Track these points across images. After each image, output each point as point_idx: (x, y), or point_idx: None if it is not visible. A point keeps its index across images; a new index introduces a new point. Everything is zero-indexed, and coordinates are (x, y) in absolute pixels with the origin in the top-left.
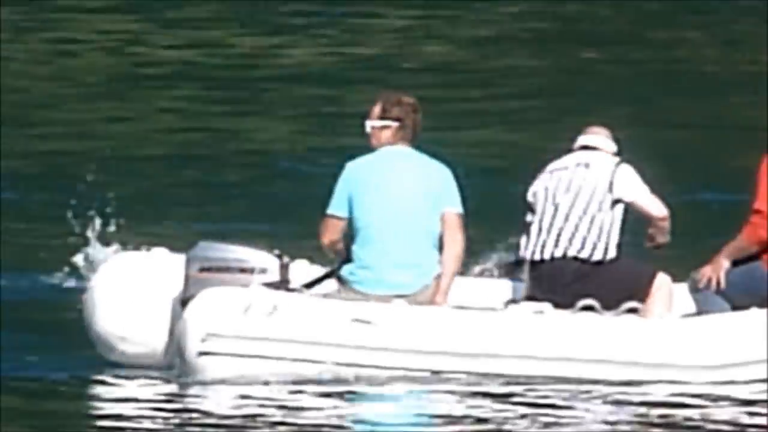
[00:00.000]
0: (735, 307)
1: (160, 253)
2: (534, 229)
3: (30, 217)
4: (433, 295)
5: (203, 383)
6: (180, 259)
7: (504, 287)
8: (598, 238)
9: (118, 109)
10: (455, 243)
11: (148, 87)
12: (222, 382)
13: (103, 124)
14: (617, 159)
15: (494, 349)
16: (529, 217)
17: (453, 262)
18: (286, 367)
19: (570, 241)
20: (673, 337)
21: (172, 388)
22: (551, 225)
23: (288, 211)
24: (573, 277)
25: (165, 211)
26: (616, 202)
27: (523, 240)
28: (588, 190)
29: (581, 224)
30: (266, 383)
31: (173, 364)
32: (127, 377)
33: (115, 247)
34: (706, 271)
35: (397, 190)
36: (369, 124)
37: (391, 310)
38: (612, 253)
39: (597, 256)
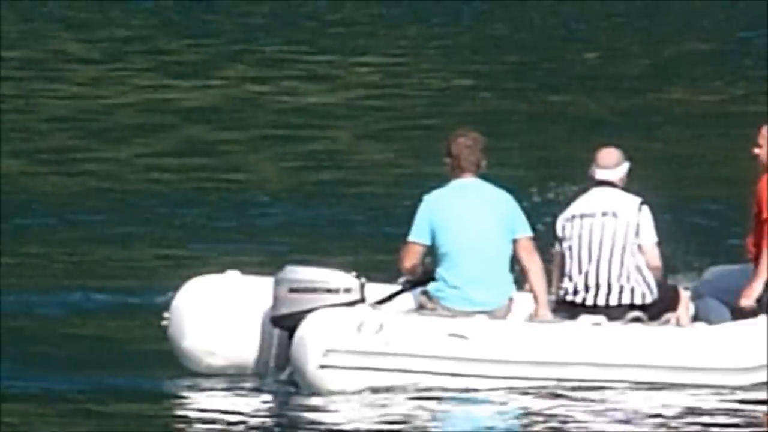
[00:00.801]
0: (733, 312)
1: (234, 275)
2: (577, 275)
3: (108, 242)
4: (508, 311)
5: (323, 394)
6: (251, 280)
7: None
8: (643, 282)
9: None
10: (535, 263)
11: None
12: (341, 393)
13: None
14: (639, 201)
15: (570, 356)
16: (567, 263)
17: (541, 279)
18: (395, 378)
19: (620, 293)
20: (713, 342)
21: (276, 396)
22: (597, 275)
23: (341, 237)
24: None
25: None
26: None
27: (567, 284)
28: (620, 241)
29: (622, 274)
30: (379, 392)
31: (264, 373)
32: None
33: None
34: (750, 296)
35: (475, 219)
36: (444, 160)
37: (482, 324)
38: (654, 291)
39: (648, 299)
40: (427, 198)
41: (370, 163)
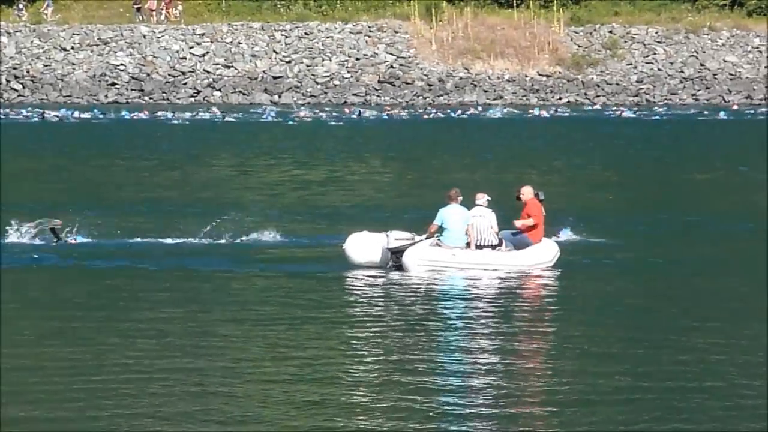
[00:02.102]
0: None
1: (366, 233)
2: (475, 235)
3: None
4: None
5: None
6: (378, 236)
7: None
8: (497, 238)
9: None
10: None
11: None
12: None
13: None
14: (490, 211)
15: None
16: (473, 233)
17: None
18: (440, 268)
19: (490, 242)
20: (530, 255)
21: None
22: (481, 236)
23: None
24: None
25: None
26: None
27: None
28: (488, 225)
29: (491, 236)
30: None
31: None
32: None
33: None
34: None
35: (459, 217)
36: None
37: (460, 250)
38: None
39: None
40: (441, 210)
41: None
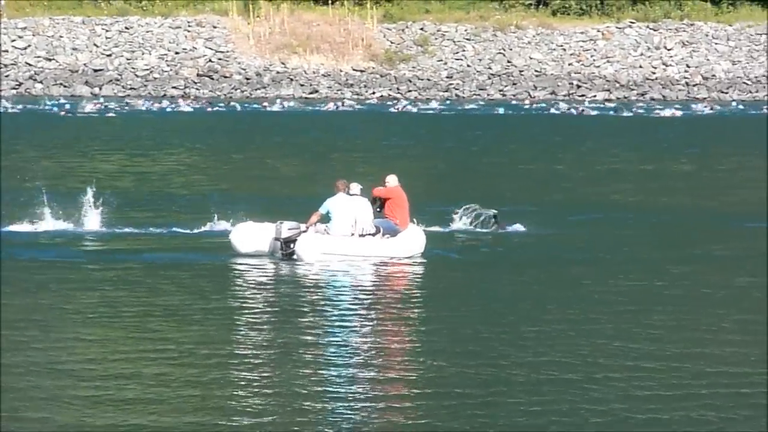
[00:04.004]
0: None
1: (252, 224)
2: (358, 224)
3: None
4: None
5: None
6: (265, 226)
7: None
8: (374, 227)
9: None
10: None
11: None
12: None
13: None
14: (365, 199)
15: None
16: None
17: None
18: (330, 254)
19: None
20: (408, 243)
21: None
22: (361, 225)
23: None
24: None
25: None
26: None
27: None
28: (367, 214)
29: (370, 225)
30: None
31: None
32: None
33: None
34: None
35: (346, 206)
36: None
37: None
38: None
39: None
40: (328, 200)
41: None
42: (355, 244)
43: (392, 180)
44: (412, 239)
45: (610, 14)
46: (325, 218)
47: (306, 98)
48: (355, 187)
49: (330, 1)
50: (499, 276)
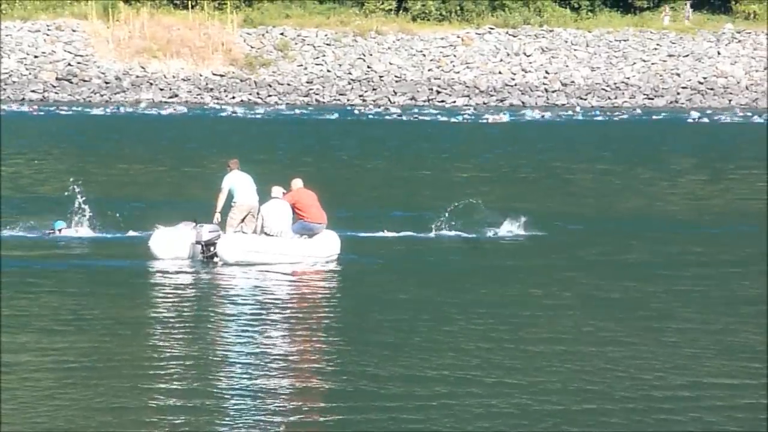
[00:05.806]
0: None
1: (167, 228)
2: (275, 226)
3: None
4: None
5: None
6: (184, 229)
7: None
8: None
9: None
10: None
11: None
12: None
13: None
14: (286, 203)
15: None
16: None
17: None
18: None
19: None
20: (327, 244)
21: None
22: (278, 227)
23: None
24: None
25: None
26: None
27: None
28: (287, 216)
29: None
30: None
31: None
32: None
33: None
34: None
35: (246, 185)
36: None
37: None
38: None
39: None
40: (226, 176)
41: None
42: (275, 243)
43: (295, 183)
44: (331, 239)
45: (470, 20)
46: (230, 195)
47: (164, 102)
48: (277, 191)
49: (190, 6)
50: (419, 281)
